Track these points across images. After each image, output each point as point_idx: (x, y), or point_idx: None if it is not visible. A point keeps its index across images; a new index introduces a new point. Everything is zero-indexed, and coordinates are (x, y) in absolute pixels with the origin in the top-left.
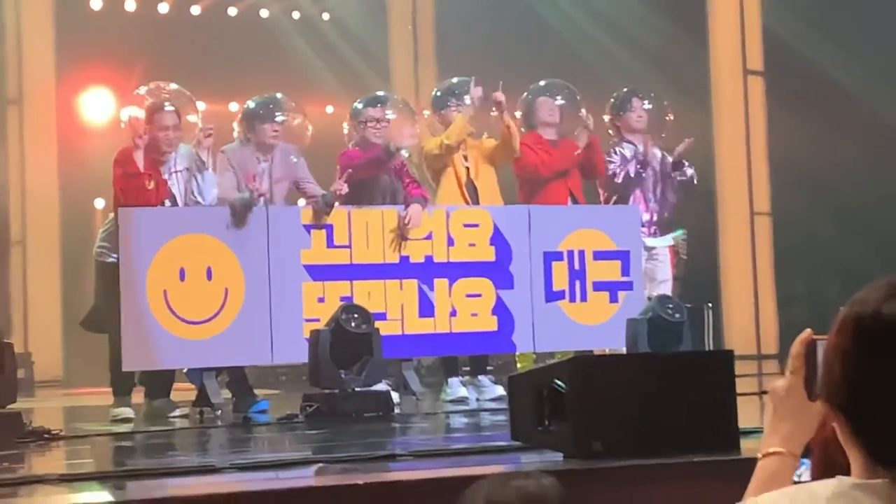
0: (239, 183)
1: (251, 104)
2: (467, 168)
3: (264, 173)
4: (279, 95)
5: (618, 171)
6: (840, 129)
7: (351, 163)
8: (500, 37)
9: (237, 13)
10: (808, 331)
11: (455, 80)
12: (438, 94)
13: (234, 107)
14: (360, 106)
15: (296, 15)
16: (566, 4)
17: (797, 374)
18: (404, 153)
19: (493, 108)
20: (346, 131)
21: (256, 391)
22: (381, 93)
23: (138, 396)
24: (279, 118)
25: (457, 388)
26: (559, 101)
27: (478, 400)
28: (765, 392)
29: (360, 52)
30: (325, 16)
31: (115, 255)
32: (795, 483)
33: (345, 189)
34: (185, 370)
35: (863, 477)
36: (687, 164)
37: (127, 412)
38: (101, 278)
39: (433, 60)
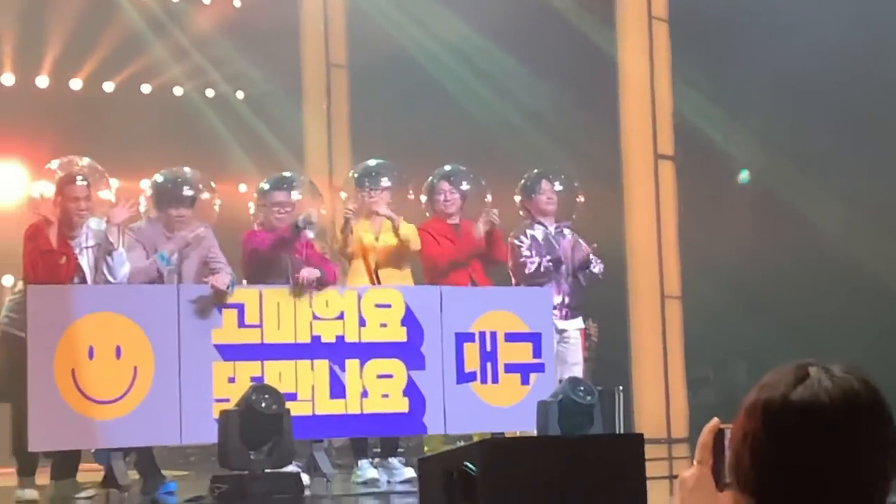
0: (148, 257)
1: (159, 178)
2: (375, 265)
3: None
4: (188, 170)
5: (528, 261)
6: (747, 212)
7: (255, 243)
8: (414, 118)
9: (151, 90)
10: (716, 420)
11: (372, 162)
12: (356, 175)
13: (145, 184)
14: (266, 187)
15: (210, 93)
16: (480, 88)
17: (705, 463)
18: (310, 234)
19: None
20: (252, 211)
21: (165, 472)
22: (287, 174)
23: (43, 477)
24: (187, 192)
25: (367, 469)
26: (463, 186)
27: (388, 482)
28: (675, 476)
29: (275, 132)
30: (240, 94)
31: (21, 330)
32: None
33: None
34: (92, 450)
35: None
36: (594, 260)
37: (32, 494)
38: (5, 349)
39: (347, 141)
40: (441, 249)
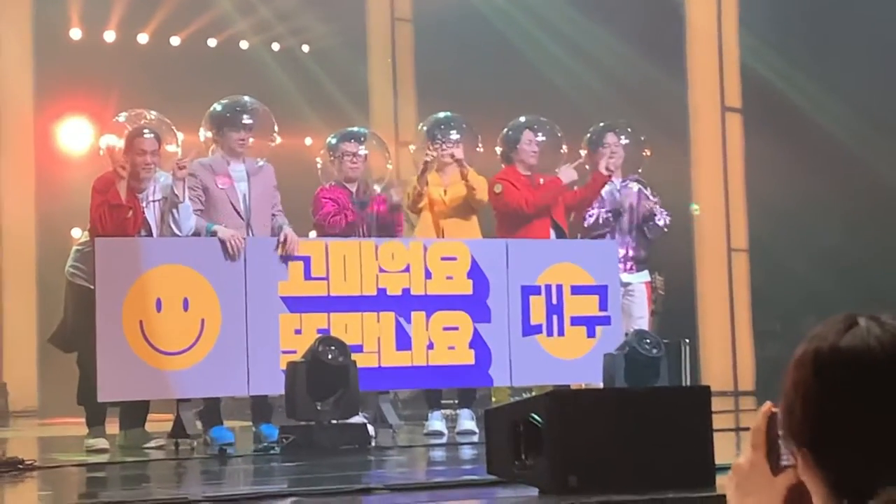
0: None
1: (218, 107)
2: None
3: (237, 182)
4: (247, 98)
5: (587, 214)
6: (816, 165)
7: (334, 214)
8: (480, 70)
9: (217, 44)
10: (769, 404)
11: (441, 115)
12: (425, 129)
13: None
14: (334, 141)
15: (275, 47)
16: (546, 40)
17: (759, 448)
18: (395, 197)
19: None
20: (319, 165)
21: (233, 422)
22: (354, 128)
23: (113, 426)
24: (247, 121)
25: (433, 421)
26: (540, 137)
27: (458, 433)
28: (741, 428)
29: (340, 85)
30: (305, 48)
31: (87, 281)
32: None
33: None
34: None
35: None
36: (659, 213)
37: (102, 443)
38: (73, 299)
39: (413, 93)
40: (525, 196)
